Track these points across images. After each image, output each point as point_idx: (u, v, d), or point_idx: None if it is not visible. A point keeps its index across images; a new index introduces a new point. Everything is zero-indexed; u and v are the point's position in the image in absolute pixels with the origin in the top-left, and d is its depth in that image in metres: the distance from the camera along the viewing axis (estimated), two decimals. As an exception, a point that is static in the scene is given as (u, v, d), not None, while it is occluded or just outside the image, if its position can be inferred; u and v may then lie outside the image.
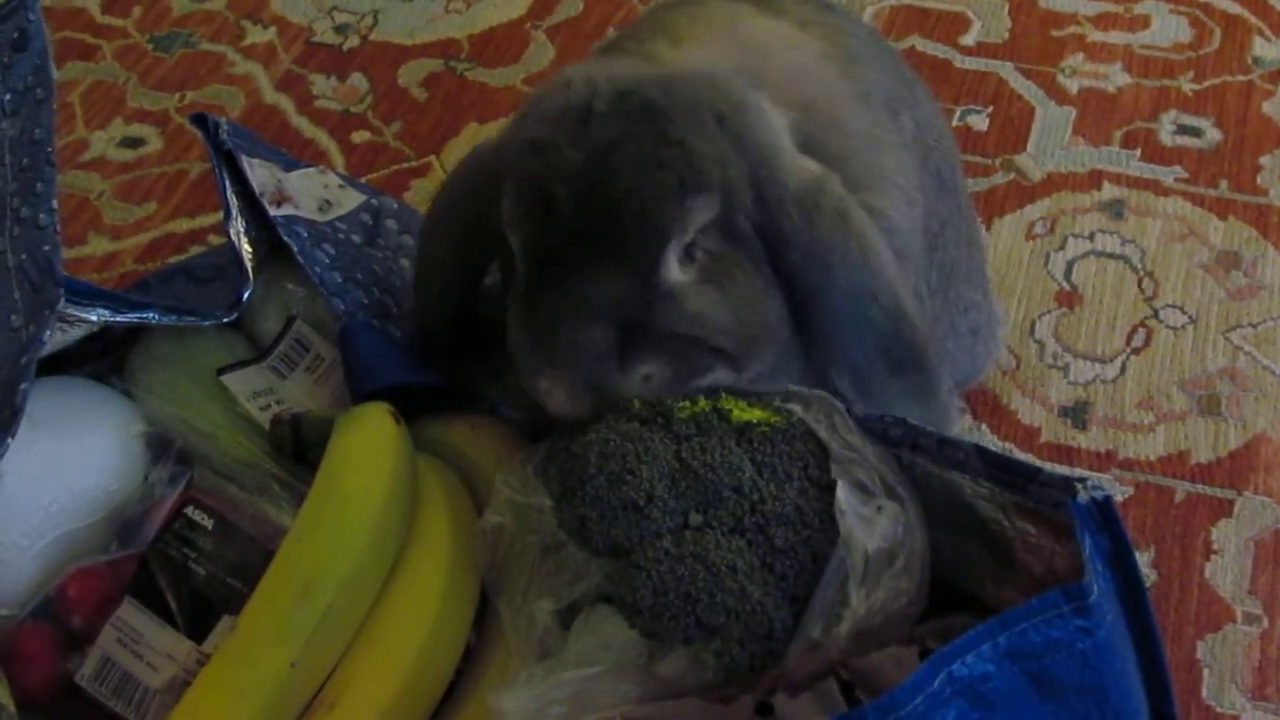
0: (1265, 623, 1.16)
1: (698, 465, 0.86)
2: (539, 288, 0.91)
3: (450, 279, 1.06)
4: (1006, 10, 1.78)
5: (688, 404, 0.90)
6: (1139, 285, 1.43)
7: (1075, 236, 1.48)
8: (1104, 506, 0.80)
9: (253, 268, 1.11)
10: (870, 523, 0.84)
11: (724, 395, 0.91)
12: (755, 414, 0.89)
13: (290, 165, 1.19)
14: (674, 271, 0.90)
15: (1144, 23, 1.75)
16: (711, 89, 0.92)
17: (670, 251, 0.89)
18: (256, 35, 1.82)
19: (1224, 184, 1.53)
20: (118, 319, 1.01)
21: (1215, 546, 1.21)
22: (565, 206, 0.88)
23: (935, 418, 0.99)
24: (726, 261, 0.92)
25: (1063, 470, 1.22)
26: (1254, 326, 1.38)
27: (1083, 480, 0.81)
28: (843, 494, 0.85)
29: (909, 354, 0.97)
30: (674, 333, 0.90)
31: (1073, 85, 1.66)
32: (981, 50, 1.72)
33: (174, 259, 1.49)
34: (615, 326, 0.89)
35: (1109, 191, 1.53)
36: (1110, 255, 1.46)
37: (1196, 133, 1.59)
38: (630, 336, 0.89)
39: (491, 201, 0.94)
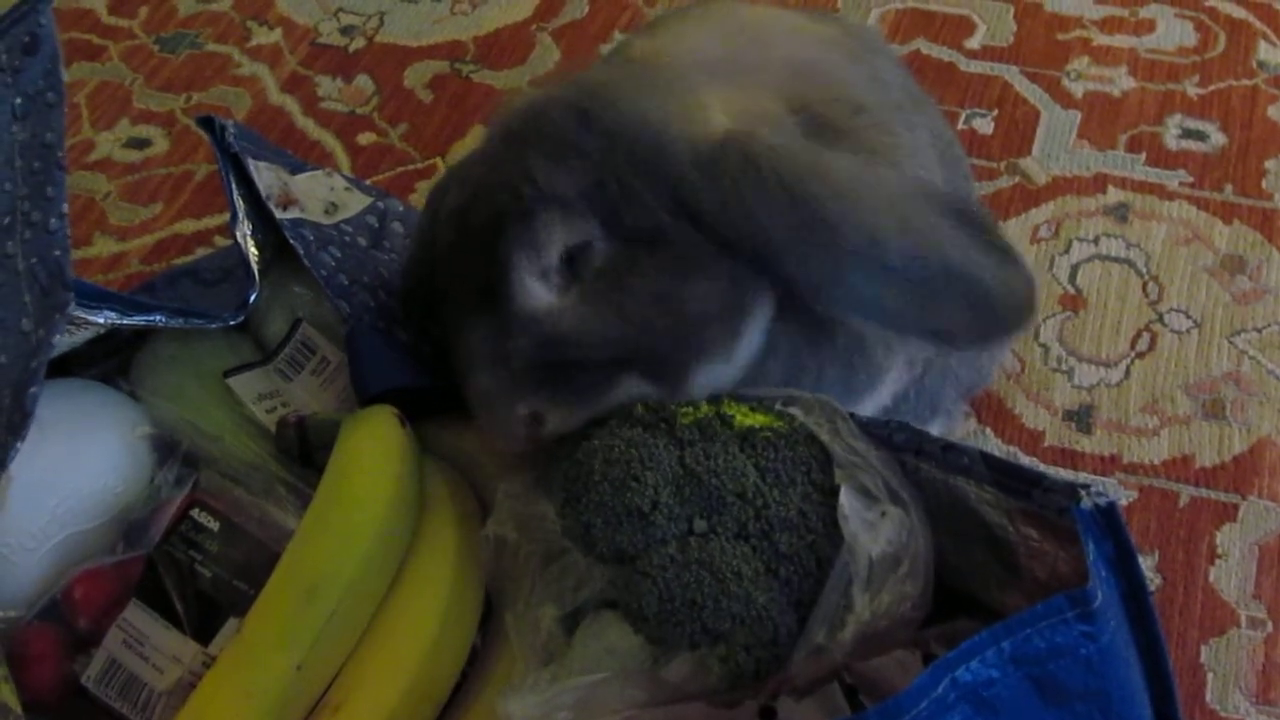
0: (1269, 627, 1.16)
1: (702, 471, 0.86)
2: (455, 334, 0.92)
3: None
4: (1011, 14, 1.78)
5: (690, 409, 0.90)
6: (1143, 289, 1.43)
7: (1080, 240, 1.48)
8: (1108, 513, 0.80)
9: (259, 270, 1.11)
10: (874, 527, 0.85)
11: (726, 400, 0.91)
12: (758, 419, 0.90)
13: (296, 168, 1.19)
14: (536, 296, 0.88)
15: (1149, 26, 1.75)
16: (572, 89, 0.91)
17: (521, 277, 0.88)
18: (262, 37, 1.82)
19: (1229, 188, 1.53)
20: (124, 321, 1.01)
21: (1219, 550, 1.21)
22: (444, 252, 0.91)
23: (1002, 329, 0.90)
24: (627, 268, 0.88)
25: (1067, 475, 1.23)
26: (1259, 331, 1.38)
27: (1086, 486, 0.81)
28: (846, 499, 0.85)
29: (919, 262, 0.85)
30: (548, 360, 0.88)
31: (1078, 89, 1.66)
32: (986, 54, 1.72)
33: (180, 261, 1.49)
34: (499, 365, 0.89)
35: (1114, 195, 1.53)
36: (1115, 259, 1.46)
37: (1201, 137, 1.59)
38: (510, 374, 0.89)
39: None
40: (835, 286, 0.88)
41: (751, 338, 0.92)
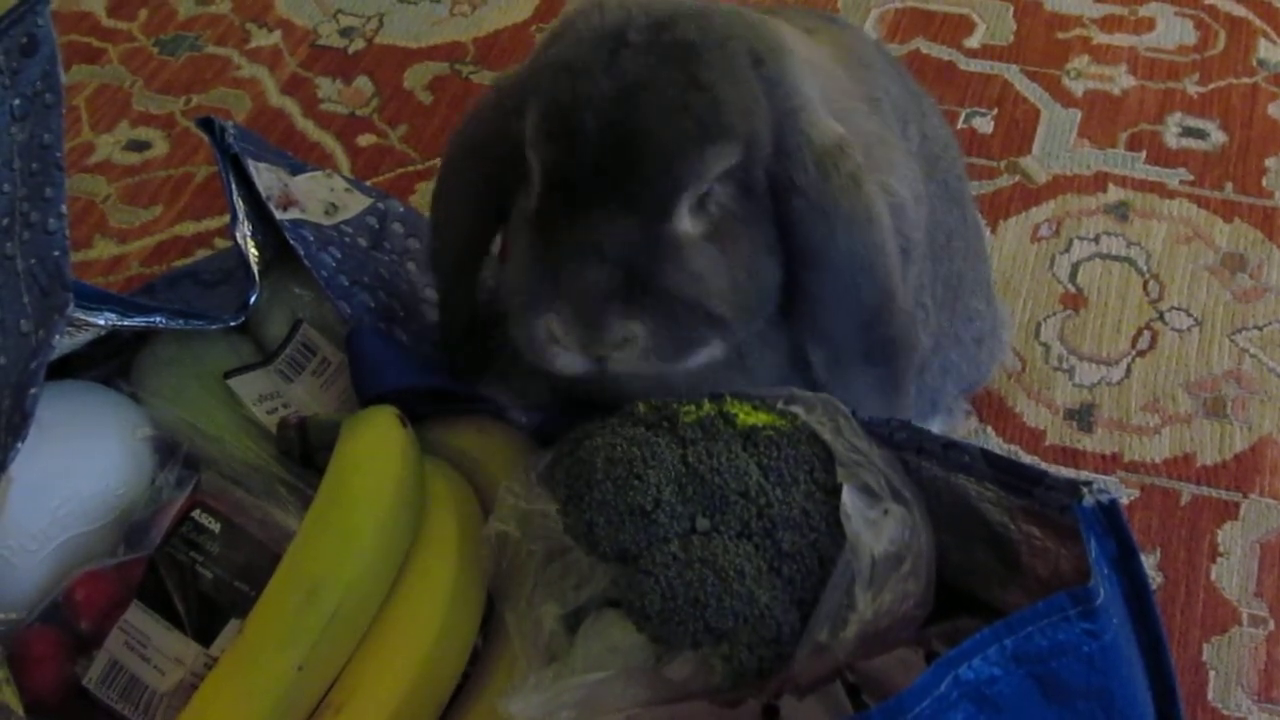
0: (1271, 625, 1.16)
1: (704, 470, 0.86)
2: (551, 220, 0.89)
3: (473, 209, 1.02)
4: (1011, 13, 1.78)
5: (693, 408, 0.90)
6: (1144, 288, 1.43)
7: (1080, 239, 1.48)
8: (1109, 510, 0.80)
9: (259, 271, 1.11)
10: (876, 526, 0.85)
11: (729, 399, 0.91)
12: (760, 418, 0.90)
13: (296, 169, 1.19)
14: (684, 221, 0.89)
15: (1149, 25, 1.75)
16: (750, 28, 0.91)
17: (684, 201, 0.88)
18: (262, 39, 1.82)
19: (1229, 186, 1.53)
20: (125, 323, 1.01)
21: (1221, 549, 1.21)
22: (589, 139, 0.87)
23: (895, 414, 0.98)
24: (735, 220, 0.90)
25: (1068, 473, 1.23)
26: (1259, 329, 1.38)
27: (1088, 484, 0.81)
28: (848, 498, 0.85)
29: (887, 340, 0.96)
30: (671, 293, 0.88)
31: (1078, 88, 1.66)
32: (986, 53, 1.72)
33: (180, 263, 1.49)
34: (621, 273, 0.87)
35: (1114, 194, 1.53)
36: (1115, 258, 1.46)
37: (1201, 135, 1.59)
38: (631, 286, 0.87)
39: (516, 120, 0.93)
40: (834, 309, 0.94)
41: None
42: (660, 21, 0.89)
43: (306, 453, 1.04)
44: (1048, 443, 1.30)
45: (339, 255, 1.14)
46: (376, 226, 1.21)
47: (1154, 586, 1.10)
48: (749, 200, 0.91)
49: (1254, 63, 1.69)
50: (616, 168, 0.87)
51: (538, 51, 0.95)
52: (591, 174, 0.87)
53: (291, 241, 1.11)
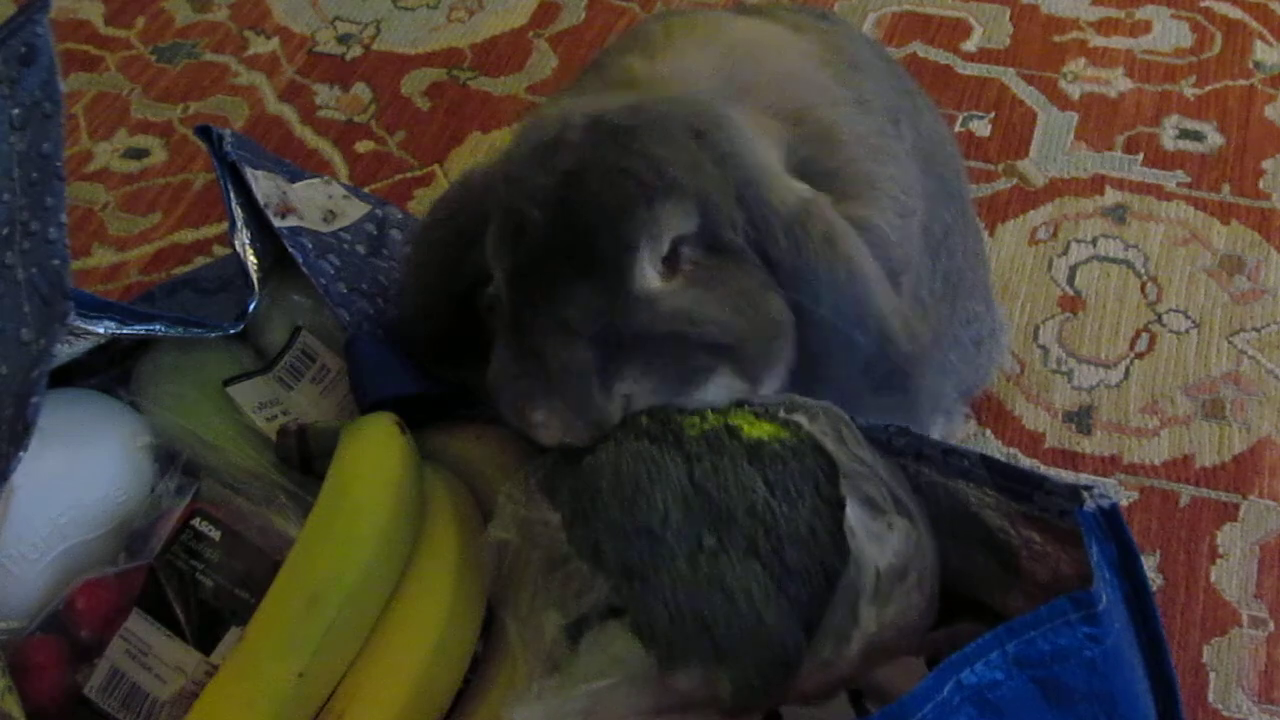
0: (1271, 626, 1.16)
1: (711, 487, 0.85)
2: (520, 313, 0.90)
3: (432, 301, 1.05)
4: (1008, 16, 1.78)
5: (697, 420, 0.88)
6: (1142, 290, 1.43)
7: (1078, 242, 1.48)
8: (1111, 515, 0.80)
9: (258, 279, 1.11)
10: (881, 540, 0.84)
11: (733, 409, 0.90)
12: (765, 429, 0.88)
13: (294, 176, 1.19)
14: (650, 280, 0.89)
15: (1145, 28, 1.75)
16: (684, 106, 0.92)
17: (642, 258, 0.88)
18: (260, 46, 1.82)
19: (1226, 188, 1.53)
20: (124, 331, 1.01)
21: (1221, 550, 1.21)
22: (538, 230, 0.88)
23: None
24: (717, 267, 0.91)
25: (1068, 477, 1.23)
26: (1257, 330, 1.38)
27: (1089, 488, 0.81)
28: (852, 512, 0.84)
29: (892, 375, 0.97)
30: (653, 335, 0.88)
31: (1074, 90, 1.67)
32: (983, 56, 1.73)
33: (179, 270, 1.49)
34: (596, 345, 0.87)
35: (1111, 196, 1.53)
36: (1113, 260, 1.47)
37: (1198, 137, 1.60)
38: (610, 351, 0.88)
39: (476, 237, 0.95)
40: (833, 358, 0.94)
41: None
42: (594, 117, 0.90)
43: (306, 460, 1.04)
44: (1047, 445, 1.30)
45: (337, 262, 1.14)
46: (375, 233, 1.21)
47: (1153, 588, 1.10)
48: (726, 257, 0.91)
49: (1250, 65, 1.69)
50: (567, 243, 0.88)
51: (495, 166, 0.97)
52: (548, 262, 0.88)
53: (290, 249, 1.11)
